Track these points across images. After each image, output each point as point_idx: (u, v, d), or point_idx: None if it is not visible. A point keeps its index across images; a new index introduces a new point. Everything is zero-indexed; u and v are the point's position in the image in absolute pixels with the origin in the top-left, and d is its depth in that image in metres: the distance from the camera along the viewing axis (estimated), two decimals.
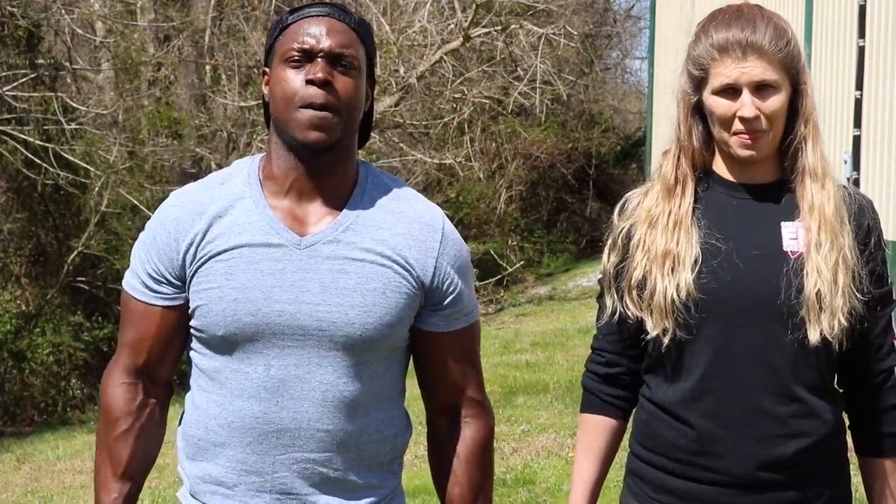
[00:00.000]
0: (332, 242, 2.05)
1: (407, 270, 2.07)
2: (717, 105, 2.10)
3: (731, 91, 2.08)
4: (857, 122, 7.64)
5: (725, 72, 2.08)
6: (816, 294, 2.06)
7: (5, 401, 13.59)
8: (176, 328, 2.11)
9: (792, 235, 2.12)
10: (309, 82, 2.01)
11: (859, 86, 7.63)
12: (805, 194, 2.13)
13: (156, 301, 2.10)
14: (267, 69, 2.10)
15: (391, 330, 2.06)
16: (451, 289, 2.11)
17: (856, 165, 7.63)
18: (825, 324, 2.06)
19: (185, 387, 2.16)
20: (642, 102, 21.83)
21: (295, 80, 2.03)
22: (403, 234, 2.08)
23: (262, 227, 2.05)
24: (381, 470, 2.13)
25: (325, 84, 2.01)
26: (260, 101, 2.15)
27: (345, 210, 2.08)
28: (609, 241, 2.24)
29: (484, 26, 14.88)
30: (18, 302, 14.50)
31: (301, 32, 2.05)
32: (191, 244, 2.06)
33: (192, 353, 2.13)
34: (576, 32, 17.29)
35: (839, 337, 2.08)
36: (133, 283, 2.12)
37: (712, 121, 2.13)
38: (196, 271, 2.05)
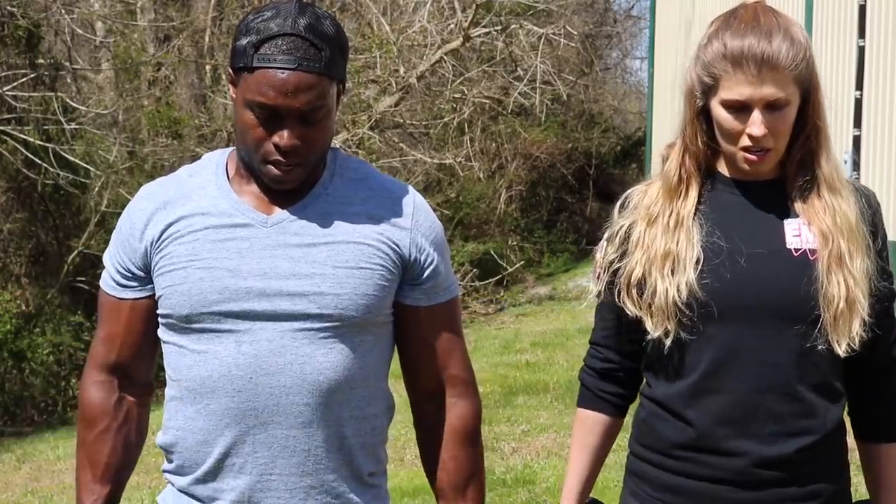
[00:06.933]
0: (300, 219, 2.02)
1: (381, 244, 2.03)
2: (725, 119, 2.07)
3: (740, 107, 2.05)
4: (857, 122, 7.63)
5: (737, 88, 2.03)
6: (846, 306, 2.06)
7: (5, 401, 13.58)
8: (146, 322, 2.09)
9: (795, 232, 2.11)
10: (276, 145, 1.95)
11: (859, 86, 7.62)
12: (826, 206, 2.10)
13: (123, 294, 2.09)
14: (231, 72, 1.99)
15: (367, 301, 2.00)
16: (428, 261, 2.07)
17: (856, 165, 7.62)
18: (852, 334, 2.06)
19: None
20: (642, 102, 21.81)
21: (259, 132, 1.95)
22: (375, 208, 2.05)
23: (226, 209, 2.03)
24: (365, 455, 2.07)
25: (292, 147, 1.95)
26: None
27: (313, 189, 2.05)
28: (607, 235, 2.23)
29: (484, 26, 14.85)
30: (18, 302, 14.47)
31: (266, 86, 1.91)
32: (154, 231, 2.04)
33: (163, 346, 2.10)
34: (576, 32, 17.27)
35: (861, 344, 2.08)
36: (105, 278, 2.12)
37: (719, 131, 2.11)
38: (160, 256, 2.03)
